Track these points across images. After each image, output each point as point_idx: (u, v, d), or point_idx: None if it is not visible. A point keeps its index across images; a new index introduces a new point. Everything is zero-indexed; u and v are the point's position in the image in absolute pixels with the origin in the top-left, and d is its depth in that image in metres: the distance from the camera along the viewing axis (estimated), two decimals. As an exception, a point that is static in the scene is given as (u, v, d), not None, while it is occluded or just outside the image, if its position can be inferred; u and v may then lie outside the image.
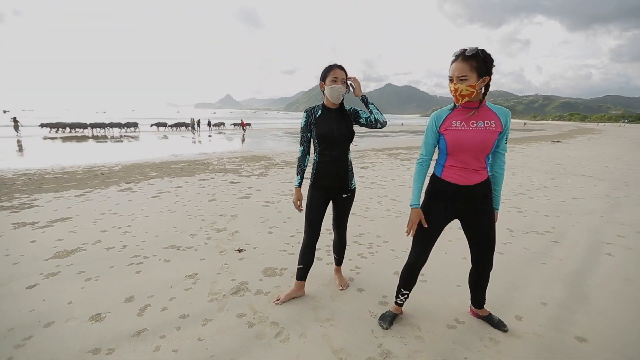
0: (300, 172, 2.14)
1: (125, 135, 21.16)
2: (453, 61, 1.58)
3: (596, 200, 5.24)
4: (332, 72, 2.00)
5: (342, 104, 2.11)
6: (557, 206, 4.80)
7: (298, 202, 2.15)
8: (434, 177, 1.81)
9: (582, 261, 2.91)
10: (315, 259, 2.30)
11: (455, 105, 1.69)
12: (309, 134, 2.11)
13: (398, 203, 4.88)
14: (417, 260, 1.86)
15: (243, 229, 3.68)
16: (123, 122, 25.56)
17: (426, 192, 1.86)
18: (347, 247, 2.51)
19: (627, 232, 3.68)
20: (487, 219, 1.77)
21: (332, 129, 2.05)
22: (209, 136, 22.08)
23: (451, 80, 1.59)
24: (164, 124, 27.66)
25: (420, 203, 1.83)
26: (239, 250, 3.03)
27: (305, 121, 2.09)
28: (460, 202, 1.74)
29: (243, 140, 19.43)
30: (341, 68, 2.01)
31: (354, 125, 2.11)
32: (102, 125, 23.58)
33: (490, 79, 1.59)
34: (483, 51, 1.54)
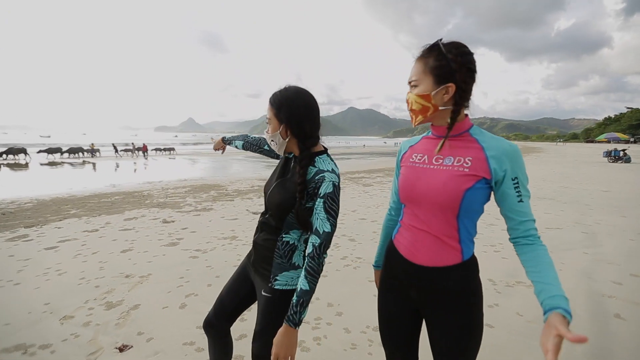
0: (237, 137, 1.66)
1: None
2: None
3: (570, 230, 4.83)
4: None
5: (307, 154, 1.17)
6: (534, 240, 4.28)
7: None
8: (390, 240, 1.18)
9: (592, 333, 2.23)
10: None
11: (429, 132, 1.10)
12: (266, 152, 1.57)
13: (358, 245, 4.08)
14: None
15: (146, 302, 2.65)
16: (64, 147, 22.79)
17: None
18: None
19: (620, 275, 3.15)
20: (453, 328, 0.99)
21: (268, 184, 1.29)
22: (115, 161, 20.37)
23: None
24: (57, 150, 22.87)
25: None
26: (120, 350, 2.01)
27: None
28: (411, 289, 1.06)
29: (145, 167, 17.30)
30: (269, 101, 1.21)
31: (306, 195, 1.15)
32: None
33: (464, 88, 0.95)
34: (452, 45, 0.95)
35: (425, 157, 1.04)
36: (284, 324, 1.09)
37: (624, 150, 19.30)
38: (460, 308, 1.00)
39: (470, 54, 0.96)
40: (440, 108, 0.97)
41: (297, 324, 1.07)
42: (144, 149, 26.02)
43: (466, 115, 1.01)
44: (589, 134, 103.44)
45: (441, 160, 1.00)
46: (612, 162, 19.09)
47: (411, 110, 1.01)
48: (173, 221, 5.42)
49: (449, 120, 0.97)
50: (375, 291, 2.86)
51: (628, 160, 18.47)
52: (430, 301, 1.03)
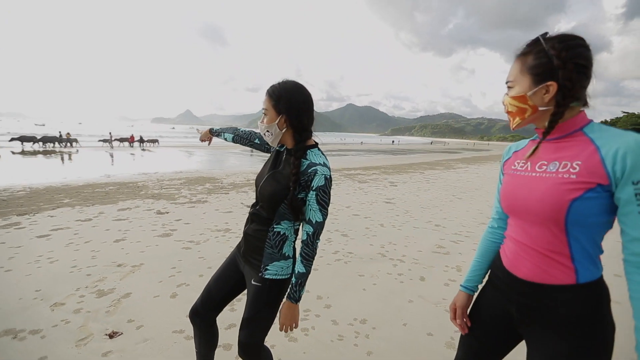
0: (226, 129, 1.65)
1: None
2: None
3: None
4: None
5: (301, 146, 1.21)
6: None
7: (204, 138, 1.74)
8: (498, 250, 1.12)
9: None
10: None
11: (535, 135, 0.99)
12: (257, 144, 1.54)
13: (350, 240, 4.13)
14: None
15: (138, 290, 2.67)
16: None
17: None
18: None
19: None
20: (559, 357, 0.85)
21: (260, 176, 1.31)
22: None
23: None
24: (31, 139, 21.41)
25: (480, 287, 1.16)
26: (110, 336, 2.04)
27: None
28: (512, 305, 0.96)
29: (134, 158, 16.81)
30: (267, 92, 1.23)
31: (298, 186, 1.18)
32: None
33: (568, 87, 0.81)
34: (556, 38, 0.83)
35: (528, 164, 0.92)
36: (285, 300, 1.22)
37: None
38: (571, 335, 0.85)
39: (580, 47, 0.81)
40: (540, 109, 0.86)
41: (297, 300, 1.20)
42: (130, 140, 24.62)
43: (581, 110, 0.87)
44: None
45: (545, 167, 0.87)
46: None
47: (507, 112, 0.93)
48: (167, 213, 5.42)
49: (546, 124, 0.86)
50: (365, 285, 2.94)
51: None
52: (533, 321, 0.91)
